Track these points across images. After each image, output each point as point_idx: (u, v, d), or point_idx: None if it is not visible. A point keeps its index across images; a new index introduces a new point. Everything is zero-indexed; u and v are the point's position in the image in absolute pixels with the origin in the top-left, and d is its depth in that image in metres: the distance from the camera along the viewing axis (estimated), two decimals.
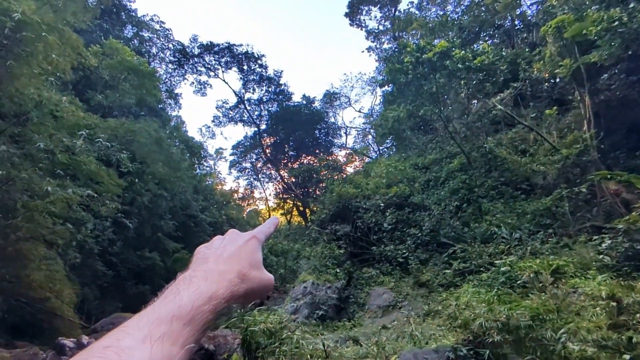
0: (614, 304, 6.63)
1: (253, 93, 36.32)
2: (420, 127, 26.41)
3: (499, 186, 15.75)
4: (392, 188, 17.69)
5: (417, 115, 22.74)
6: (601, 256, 9.19)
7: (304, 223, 31.56)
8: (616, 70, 14.02)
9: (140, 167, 22.62)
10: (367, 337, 9.22)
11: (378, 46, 38.06)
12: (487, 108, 18.49)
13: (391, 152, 31.38)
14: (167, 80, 38.46)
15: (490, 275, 10.51)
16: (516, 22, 22.71)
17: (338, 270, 14.66)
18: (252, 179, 42.12)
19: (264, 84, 35.84)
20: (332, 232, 16.99)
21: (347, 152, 40.30)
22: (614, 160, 12.79)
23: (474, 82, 17.45)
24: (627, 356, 5.79)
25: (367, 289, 13.93)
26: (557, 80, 16.98)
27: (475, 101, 19.96)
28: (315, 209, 25.43)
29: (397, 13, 35.75)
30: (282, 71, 35.86)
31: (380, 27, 37.31)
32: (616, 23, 11.74)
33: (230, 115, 38.13)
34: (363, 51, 39.12)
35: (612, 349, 6.02)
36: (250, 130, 39.12)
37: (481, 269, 11.48)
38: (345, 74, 47.35)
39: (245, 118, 37.72)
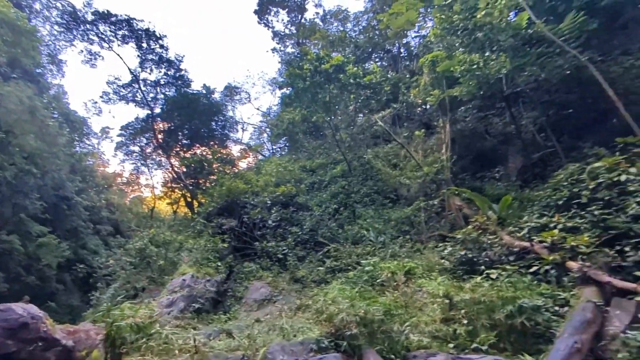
0: (447, 301, 7.73)
1: (150, 74, 33.30)
2: (312, 132, 27.56)
3: (372, 194, 17.35)
4: (280, 187, 18.08)
5: (310, 120, 23.74)
6: (443, 260, 10.61)
7: (190, 214, 30.00)
8: (470, 106, 16.71)
9: (5, 137, 19.55)
10: (240, 329, 9.12)
11: (282, 49, 38.59)
12: (370, 123, 20.34)
13: (283, 152, 32.09)
14: (50, 42, 33.09)
15: (356, 273, 11.38)
16: (402, 50, 25.38)
17: (219, 264, 14.44)
18: (139, 164, 38.48)
19: (163, 66, 33.15)
20: (217, 225, 16.69)
21: (242, 147, 39.78)
22: (461, 181, 14.98)
23: (362, 97, 18.95)
24: (451, 344, 6.81)
25: (246, 283, 13.84)
26: (428, 106, 19.45)
27: (361, 115, 21.70)
28: (203, 201, 24.41)
29: (303, 20, 36.67)
30: (183, 56, 33.73)
31: (287, 31, 37.88)
32: (475, 66, 13.50)
33: (121, 93, 34.22)
34: (268, 51, 39.72)
35: (441, 339, 7.00)
36: (142, 112, 36.01)
37: (349, 267, 12.39)
38: (248, 70, 46.84)
39: (139, 99, 34.29)
